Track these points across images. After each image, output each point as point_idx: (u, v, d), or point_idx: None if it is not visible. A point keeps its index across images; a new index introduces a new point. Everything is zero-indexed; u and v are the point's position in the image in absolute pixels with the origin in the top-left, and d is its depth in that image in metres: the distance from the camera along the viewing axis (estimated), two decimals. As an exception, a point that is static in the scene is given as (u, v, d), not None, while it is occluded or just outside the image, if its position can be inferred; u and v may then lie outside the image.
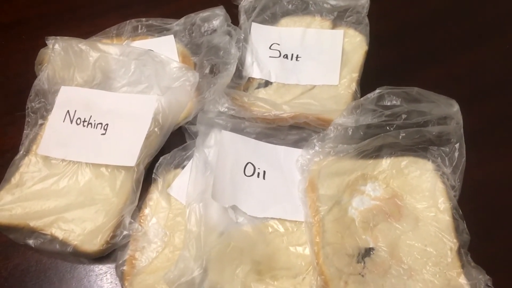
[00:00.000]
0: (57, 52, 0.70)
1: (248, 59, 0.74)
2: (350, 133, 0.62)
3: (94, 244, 0.57)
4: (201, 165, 0.60)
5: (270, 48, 0.75)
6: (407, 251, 0.56)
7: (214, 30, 0.76)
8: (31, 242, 0.58)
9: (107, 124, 0.65)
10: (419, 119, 0.62)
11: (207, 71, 0.70)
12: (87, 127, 0.65)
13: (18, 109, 0.70)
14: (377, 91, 0.62)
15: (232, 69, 0.68)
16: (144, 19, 0.78)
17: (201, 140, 0.63)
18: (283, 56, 0.75)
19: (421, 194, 0.60)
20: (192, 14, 0.78)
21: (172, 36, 0.77)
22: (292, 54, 0.75)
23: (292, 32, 0.77)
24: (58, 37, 0.73)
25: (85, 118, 0.66)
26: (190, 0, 0.85)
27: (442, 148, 0.62)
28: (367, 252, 0.56)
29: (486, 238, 0.58)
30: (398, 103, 0.62)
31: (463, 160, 0.60)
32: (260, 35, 0.77)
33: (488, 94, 0.73)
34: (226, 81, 0.67)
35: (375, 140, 0.61)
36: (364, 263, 0.55)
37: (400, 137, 0.61)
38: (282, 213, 0.59)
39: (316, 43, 0.75)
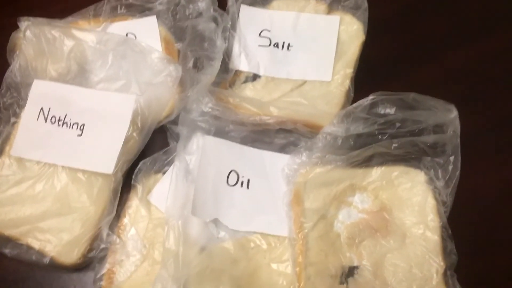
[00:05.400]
0: (29, 39, 0.65)
1: (236, 49, 0.69)
2: (339, 142, 0.58)
3: (71, 257, 0.56)
4: (182, 174, 0.58)
5: (260, 35, 0.70)
6: (392, 272, 0.55)
7: (200, 14, 0.70)
8: (7, 251, 0.57)
9: (83, 124, 0.61)
10: (413, 127, 0.59)
11: (190, 64, 0.65)
12: (62, 126, 0.62)
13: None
14: (370, 97, 0.58)
15: (217, 65, 0.63)
16: (124, -3, 0.72)
17: (182, 145, 0.60)
18: (274, 45, 0.69)
19: (410, 209, 0.58)
20: (176, -8, 0.72)
21: (154, 17, 0.71)
22: (284, 43, 0.69)
23: (284, 17, 0.71)
24: (31, 19, 0.68)
25: (60, 117, 0.62)
26: (174, -25, 0.78)
27: (436, 159, 0.59)
28: (351, 271, 0.55)
29: (474, 258, 0.57)
30: (392, 111, 0.58)
31: (457, 174, 0.58)
32: (250, 19, 0.71)
33: (489, 93, 0.68)
34: (210, 79, 0.62)
35: (366, 151, 0.58)
36: (347, 283, 0.54)
37: (392, 147, 0.58)
38: (266, 226, 0.57)
39: (310, 30, 0.70)
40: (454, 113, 0.59)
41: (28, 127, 0.62)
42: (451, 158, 0.58)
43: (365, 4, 0.70)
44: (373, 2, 0.70)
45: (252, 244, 0.57)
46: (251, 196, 0.59)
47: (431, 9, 0.75)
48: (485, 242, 0.59)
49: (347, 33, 0.69)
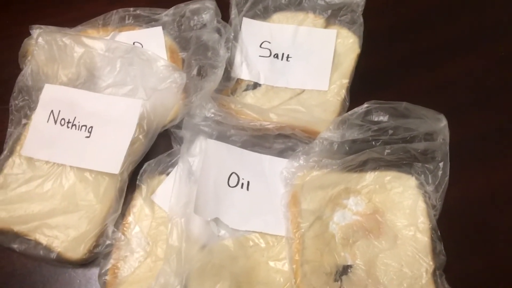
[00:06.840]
0: (41, 46, 0.68)
1: (237, 59, 0.72)
2: (335, 147, 0.61)
3: (77, 253, 0.58)
4: (185, 175, 0.60)
5: (260, 46, 0.73)
6: (384, 271, 0.57)
7: (204, 25, 0.74)
8: (15, 246, 0.59)
9: (91, 127, 0.64)
10: (405, 134, 0.62)
11: (194, 72, 0.69)
12: (71, 128, 0.64)
13: (1, 100, 0.69)
14: (365, 105, 0.62)
15: (220, 73, 0.66)
16: (131, 8, 0.76)
17: (185, 148, 0.63)
18: (274, 56, 0.73)
19: (402, 211, 0.61)
20: (182, 5, 0.75)
21: (160, 28, 0.75)
22: (283, 54, 0.73)
23: (284, 30, 0.75)
24: (43, 27, 0.71)
25: (69, 119, 0.65)
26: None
27: (426, 165, 0.62)
28: (345, 269, 0.58)
29: (462, 258, 0.59)
30: (386, 119, 0.62)
31: (446, 179, 0.61)
32: (251, 31, 0.74)
33: (477, 104, 0.72)
34: (213, 86, 0.65)
35: (360, 156, 0.61)
36: (341, 281, 0.57)
37: (385, 153, 0.61)
38: (264, 226, 0.60)
39: (308, 42, 0.73)
40: (443, 122, 0.63)
41: (38, 128, 0.65)
42: (441, 165, 0.62)
43: (361, 20, 0.74)
44: (368, 16, 0.74)
45: (251, 243, 0.59)
46: (250, 197, 0.62)
47: (422, 24, 0.79)
48: (472, 244, 0.61)
49: (343, 46, 0.73)
